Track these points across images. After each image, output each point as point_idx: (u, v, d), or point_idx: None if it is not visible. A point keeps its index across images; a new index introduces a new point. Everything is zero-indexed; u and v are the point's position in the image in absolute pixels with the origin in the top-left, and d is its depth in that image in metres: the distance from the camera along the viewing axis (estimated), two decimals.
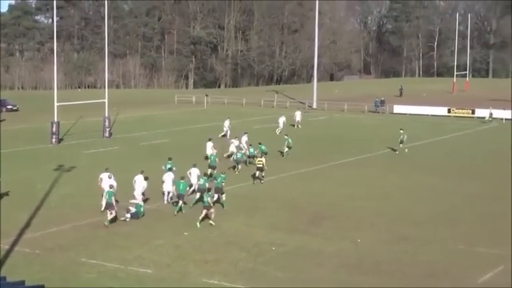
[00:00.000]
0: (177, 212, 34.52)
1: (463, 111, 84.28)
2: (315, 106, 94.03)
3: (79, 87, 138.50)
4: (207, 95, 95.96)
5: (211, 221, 32.39)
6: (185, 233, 31.24)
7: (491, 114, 78.81)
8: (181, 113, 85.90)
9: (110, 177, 35.43)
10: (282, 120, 66.57)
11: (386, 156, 53.64)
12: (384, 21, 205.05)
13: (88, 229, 31.75)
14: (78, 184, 41.27)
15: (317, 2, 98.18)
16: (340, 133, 67.78)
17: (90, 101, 70.27)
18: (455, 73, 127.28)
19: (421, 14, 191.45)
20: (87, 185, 39.69)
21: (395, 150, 54.34)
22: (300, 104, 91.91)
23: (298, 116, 71.45)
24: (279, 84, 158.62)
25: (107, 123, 62.65)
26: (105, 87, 66.86)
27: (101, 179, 35.86)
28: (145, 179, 35.51)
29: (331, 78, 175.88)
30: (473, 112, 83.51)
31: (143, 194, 35.25)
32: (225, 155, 48.23)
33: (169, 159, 40.59)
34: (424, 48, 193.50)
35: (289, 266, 27.22)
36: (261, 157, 43.62)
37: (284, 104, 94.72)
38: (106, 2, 68.92)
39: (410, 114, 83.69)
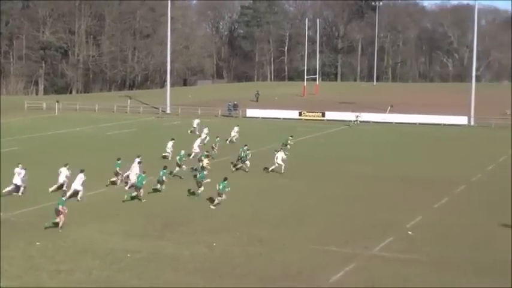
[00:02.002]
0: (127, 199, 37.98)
1: (314, 114, 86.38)
2: (168, 111, 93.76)
3: None
4: (58, 101, 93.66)
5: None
6: (37, 243, 30.28)
7: (357, 117, 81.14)
8: (31, 120, 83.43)
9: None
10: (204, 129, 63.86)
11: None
12: (236, 26, 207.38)
13: None
14: None
15: (169, 7, 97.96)
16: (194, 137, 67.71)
17: None
18: (305, 77, 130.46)
19: (271, 20, 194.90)
20: None
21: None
22: (154, 109, 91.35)
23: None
24: (132, 89, 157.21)
25: None
26: None
27: None
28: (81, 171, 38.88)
29: (185, 83, 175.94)
30: (323, 115, 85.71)
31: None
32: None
33: (118, 159, 42.86)
34: (275, 53, 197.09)
35: (145, 272, 26.90)
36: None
37: (138, 109, 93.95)
38: None
39: (263, 117, 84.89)
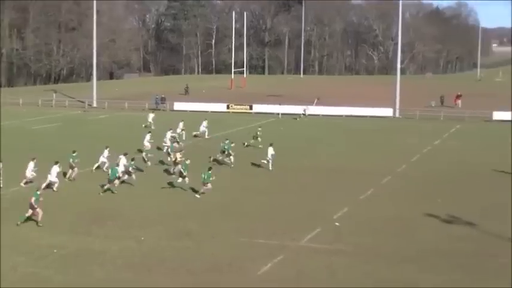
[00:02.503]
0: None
1: (241, 107, 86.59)
2: (95, 105, 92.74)
3: None
4: None
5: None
6: None
7: (305, 110, 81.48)
8: None
9: None
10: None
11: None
12: (163, 20, 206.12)
13: None
14: None
15: (95, 0, 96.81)
16: (123, 132, 67.21)
17: None
18: (233, 70, 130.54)
19: (198, 13, 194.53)
20: None
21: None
22: (80, 103, 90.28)
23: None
24: (58, 83, 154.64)
25: None
26: None
27: None
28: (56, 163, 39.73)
29: (111, 76, 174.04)
30: (251, 108, 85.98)
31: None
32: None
33: (74, 152, 42.97)
34: (203, 46, 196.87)
35: (71, 268, 26.64)
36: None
37: (63, 103, 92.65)
38: None
39: (191, 110, 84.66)
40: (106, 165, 44.72)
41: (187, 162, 40.88)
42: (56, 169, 39.63)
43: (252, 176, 45.43)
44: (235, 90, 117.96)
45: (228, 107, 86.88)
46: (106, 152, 45.54)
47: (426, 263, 27.80)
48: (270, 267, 27.19)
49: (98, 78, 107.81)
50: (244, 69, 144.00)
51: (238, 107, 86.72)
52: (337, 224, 33.46)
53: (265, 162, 46.98)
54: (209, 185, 38.65)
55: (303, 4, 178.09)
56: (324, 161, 51.05)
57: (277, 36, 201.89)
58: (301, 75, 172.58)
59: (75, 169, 42.63)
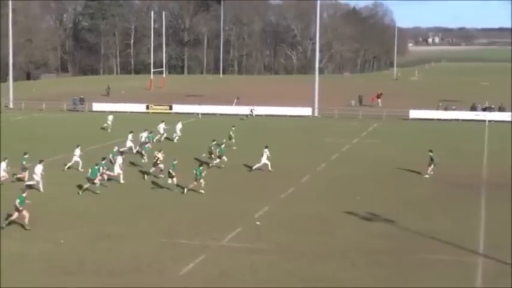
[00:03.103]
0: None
1: (161, 107, 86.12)
2: (11, 106, 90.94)
3: None
4: None
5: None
6: None
7: (252, 110, 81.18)
8: None
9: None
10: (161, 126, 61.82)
11: (92, 153, 52.75)
12: (80, 19, 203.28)
13: None
14: None
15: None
16: (42, 132, 66.07)
17: None
18: (152, 70, 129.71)
19: (116, 12, 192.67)
20: None
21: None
22: None
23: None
24: None
25: None
26: None
27: None
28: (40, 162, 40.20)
29: (28, 77, 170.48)
30: (170, 108, 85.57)
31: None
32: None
33: (25, 154, 42.72)
34: (121, 46, 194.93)
35: None
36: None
37: None
38: None
39: (110, 111, 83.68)
40: (80, 164, 45.54)
41: (175, 162, 41.13)
42: (39, 168, 39.94)
43: (177, 176, 45.16)
44: (155, 91, 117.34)
45: (147, 108, 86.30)
46: (78, 151, 46.41)
47: (346, 261, 28.23)
48: (191, 267, 27.19)
49: (15, 79, 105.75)
50: (164, 69, 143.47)
51: (158, 107, 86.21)
52: (258, 223, 33.65)
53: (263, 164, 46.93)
54: (202, 181, 39.75)
55: (222, 4, 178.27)
56: (244, 160, 51.12)
57: (197, 36, 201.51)
58: (221, 75, 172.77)
59: (26, 172, 42.19)
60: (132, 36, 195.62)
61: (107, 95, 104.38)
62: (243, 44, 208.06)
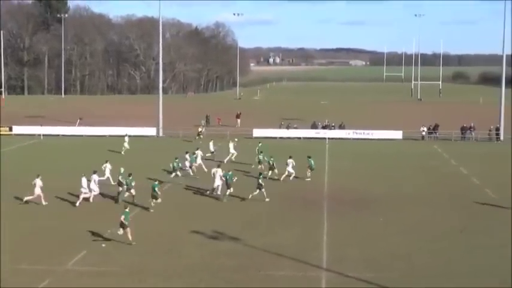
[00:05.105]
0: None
1: (1, 128, 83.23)
2: None
3: None
4: None
5: None
6: None
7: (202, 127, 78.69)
8: None
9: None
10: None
11: None
12: None
13: None
14: None
15: None
16: None
17: None
18: None
19: None
20: None
21: None
22: None
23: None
24: None
25: None
26: None
27: None
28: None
29: None
30: (10, 129, 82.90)
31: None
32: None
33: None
34: None
35: None
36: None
37: None
38: None
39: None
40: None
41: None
42: (39, 182, 41.71)
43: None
44: None
45: None
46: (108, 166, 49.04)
47: (193, 279, 28.34)
48: None
49: None
50: (2, 89, 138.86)
51: None
52: (103, 245, 33.18)
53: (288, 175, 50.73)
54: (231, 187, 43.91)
55: (63, 23, 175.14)
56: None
57: (37, 56, 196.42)
58: (63, 95, 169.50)
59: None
60: None
61: None
62: (85, 64, 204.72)
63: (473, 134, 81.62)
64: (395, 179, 53.39)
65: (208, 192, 46.01)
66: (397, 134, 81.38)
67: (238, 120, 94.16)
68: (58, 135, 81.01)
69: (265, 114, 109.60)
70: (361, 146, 72.22)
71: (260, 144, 61.18)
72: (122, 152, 66.04)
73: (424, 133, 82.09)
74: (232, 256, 31.67)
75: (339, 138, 79.61)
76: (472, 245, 34.00)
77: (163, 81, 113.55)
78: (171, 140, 78.47)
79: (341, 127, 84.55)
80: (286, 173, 50.99)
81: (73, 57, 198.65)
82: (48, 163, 59.27)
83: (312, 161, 52.21)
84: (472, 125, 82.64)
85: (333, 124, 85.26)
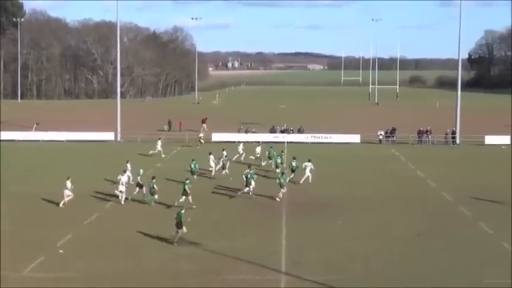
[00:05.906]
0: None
1: None
2: None
3: None
4: None
5: None
6: None
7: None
8: None
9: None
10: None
11: None
12: None
13: None
14: None
15: None
16: None
17: None
18: None
19: None
20: None
21: None
22: None
23: None
24: None
25: None
26: None
27: None
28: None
29: None
30: None
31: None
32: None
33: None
34: None
35: None
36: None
37: None
38: None
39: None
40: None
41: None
42: (124, 179, 44.78)
43: None
44: None
45: None
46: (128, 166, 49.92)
47: (153, 285, 28.20)
48: None
49: None
50: None
51: None
52: (61, 251, 32.88)
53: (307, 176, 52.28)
54: (285, 188, 46.14)
55: (19, 27, 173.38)
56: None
57: None
58: (19, 100, 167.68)
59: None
60: None
61: None
62: (41, 68, 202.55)
63: (429, 137, 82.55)
64: (354, 183, 53.81)
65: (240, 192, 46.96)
66: (355, 138, 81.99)
67: (204, 125, 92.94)
68: (14, 140, 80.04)
69: (224, 118, 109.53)
70: (320, 150, 72.50)
71: (271, 148, 63.06)
72: (150, 152, 68.30)
73: (381, 137, 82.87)
74: (192, 260, 31.62)
75: (298, 142, 79.89)
76: (429, 247, 34.38)
77: (121, 86, 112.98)
78: (129, 145, 78.06)
79: (300, 131, 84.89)
80: (306, 176, 52.36)
81: (29, 62, 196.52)
82: (4, 169, 58.56)
83: (296, 162, 54.45)
84: (428, 128, 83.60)
85: (292, 128, 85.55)
